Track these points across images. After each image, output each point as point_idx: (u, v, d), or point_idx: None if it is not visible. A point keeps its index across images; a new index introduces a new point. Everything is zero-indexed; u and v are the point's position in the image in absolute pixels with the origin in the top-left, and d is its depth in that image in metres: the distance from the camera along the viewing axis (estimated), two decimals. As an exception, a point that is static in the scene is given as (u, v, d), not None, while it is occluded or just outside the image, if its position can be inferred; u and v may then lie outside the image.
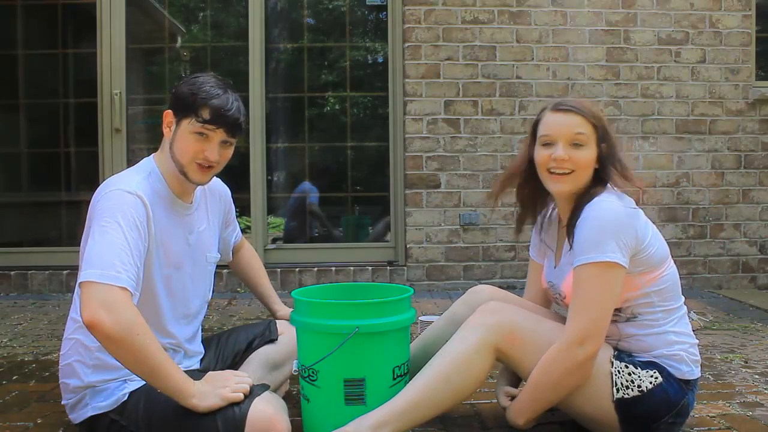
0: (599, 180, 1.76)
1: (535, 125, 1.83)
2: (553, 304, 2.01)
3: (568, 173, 1.75)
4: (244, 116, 1.77)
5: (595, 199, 1.69)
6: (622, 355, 1.73)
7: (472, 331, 1.72)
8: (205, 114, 1.69)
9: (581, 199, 1.74)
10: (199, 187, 1.86)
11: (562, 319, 1.88)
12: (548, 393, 1.71)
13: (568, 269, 1.76)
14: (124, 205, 1.61)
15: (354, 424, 1.63)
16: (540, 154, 1.79)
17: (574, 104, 1.78)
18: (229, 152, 1.79)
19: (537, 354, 1.70)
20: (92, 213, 1.64)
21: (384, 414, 1.63)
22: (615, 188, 1.74)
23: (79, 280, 1.52)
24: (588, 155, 1.75)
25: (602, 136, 1.76)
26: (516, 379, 1.90)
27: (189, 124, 1.70)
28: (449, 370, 1.68)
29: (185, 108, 1.71)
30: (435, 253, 4.23)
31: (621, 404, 1.67)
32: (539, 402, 1.73)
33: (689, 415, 1.80)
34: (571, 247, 1.72)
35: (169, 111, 1.76)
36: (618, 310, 1.74)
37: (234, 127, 1.73)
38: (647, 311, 1.73)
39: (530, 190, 1.89)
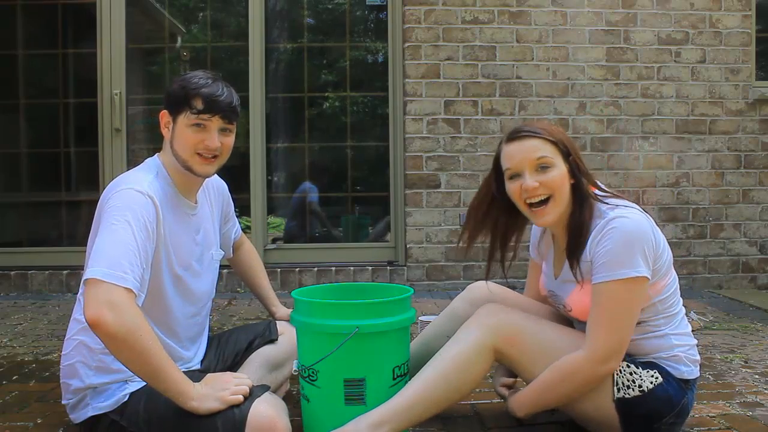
0: (579, 195, 1.71)
1: (497, 160, 1.80)
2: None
3: (546, 200, 1.71)
4: (238, 100, 1.77)
5: (611, 214, 1.65)
6: (623, 355, 1.73)
7: (471, 332, 1.72)
8: (198, 104, 1.70)
9: (576, 221, 1.71)
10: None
11: (563, 318, 1.88)
12: (558, 397, 1.71)
13: (572, 285, 1.74)
14: (134, 205, 1.60)
15: (353, 423, 1.63)
16: (511, 189, 1.75)
17: (527, 128, 1.74)
18: (230, 140, 1.78)
19: (536, 355, 1.70)
20: (102, 210, 1.64)
21: (382, 413, 1.63)
22: (611, 199, 1.70)
23: (84, 277, 1.52)
24: (558, 174, 1.70)
25: (565, 150, 1.72)
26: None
27: (185, 118, 1.71)
28: (448, 370, 1.68)
29: (178, 103, 1.72)
30: (435, 253, 4.23)
31: (622, 404, 1.67)
32: (545, 401, 1.74)
33: (689, 415, 1.79)
34: (574, 269, 1.70)
35: (165, 111, 1.76)
36: None
37: (229, 112, 1.73)
38: (650, 318, 1.72)
39: (502, 224, 1.86)
